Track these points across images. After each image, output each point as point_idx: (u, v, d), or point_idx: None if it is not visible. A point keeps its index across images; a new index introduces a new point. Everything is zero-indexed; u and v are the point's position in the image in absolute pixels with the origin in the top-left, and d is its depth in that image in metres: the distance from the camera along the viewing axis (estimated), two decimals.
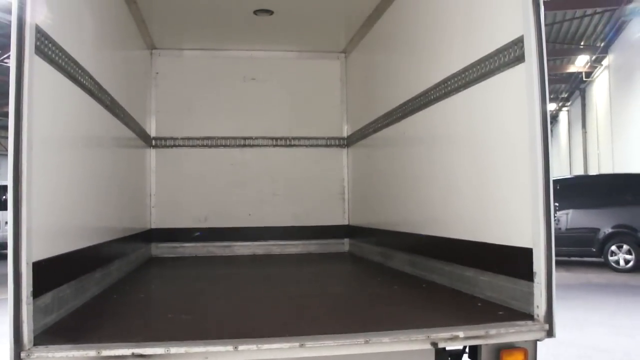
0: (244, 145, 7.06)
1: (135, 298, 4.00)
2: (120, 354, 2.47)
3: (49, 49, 2.83)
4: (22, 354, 2.44)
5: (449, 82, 3.92)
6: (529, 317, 2.86)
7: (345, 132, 7.12)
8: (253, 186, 7.00)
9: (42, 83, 2.70)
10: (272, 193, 7.03)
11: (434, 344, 2.64)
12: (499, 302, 3.23)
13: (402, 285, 4.31)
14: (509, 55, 3.11)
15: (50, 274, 2.88)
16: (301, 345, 2.52)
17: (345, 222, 7.10)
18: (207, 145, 7.02)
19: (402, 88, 4.93)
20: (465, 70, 3.66)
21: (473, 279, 3.59)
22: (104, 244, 4.26)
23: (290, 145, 7.10)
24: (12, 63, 2.49)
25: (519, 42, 3.00)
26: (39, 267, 2.65)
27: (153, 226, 6.82)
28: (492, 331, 2.69)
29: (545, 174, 2.82)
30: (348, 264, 6.22)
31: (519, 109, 2.98)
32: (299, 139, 7.10)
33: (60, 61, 3.03)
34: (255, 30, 6.41)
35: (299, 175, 7.08)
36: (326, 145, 7.16)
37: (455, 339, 2.66)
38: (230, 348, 2.49)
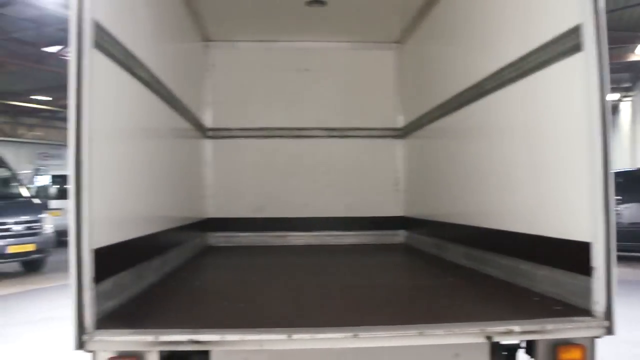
0: (299, 136, 7.09)
1: (191, 286, 4.10)
2: (177, 340, 2.54)
3: (107, 43, 2.91)
4: (85, 337, 2.54)
5: (504, 72, 3.83)
6: (588, 313, 2.77)
7: (400, 122, 7.05)
8: (308, 177, 7.03)
9: (100, 76, 2.79)
10: (326, 184, 7.03)
11: (489, 338, 2.59)
12: (557, 297, 3.15)
13: (457, 278, 4.25)
14: (566, 44, 3.01)
15: (110, 260, 2.97)
16: (354, 336, 2.53)
17: (401, 214, 7.05)
18: (262, 136, 7.08)
19: (457, 78, 4.85)
20: (521, 60, 3.57)
21: (530, 273, 3.51)
22: (162, 233, 4.36)
23: (345, 136, 7.09)
24: (71, 57, 2.58)
25: (576, 30, 2.89)
26: (99, 254, 2.74)
27: (210, 216, 6.94)
28: (549, 326, 2.63)
29: (604, 165, 2.72)
30: (402, 255, 6.18)
31: (577, 100, 2.88)
32: (353, 129, 7.09)
33: (118, 55, 3.12)
34: (308, 21, 6.42)
35: (353, 166, 7.06)
36: (380, 136, 7.11)
37: (511, 333, 2.61)
38: (284, 337, 2.52)
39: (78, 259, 2.58)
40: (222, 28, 6.74)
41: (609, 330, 2.69)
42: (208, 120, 7.00)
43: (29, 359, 6.58)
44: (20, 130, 35.17)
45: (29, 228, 12.28)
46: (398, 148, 7.08)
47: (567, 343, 2.70)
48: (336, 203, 7.01)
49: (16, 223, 12.13)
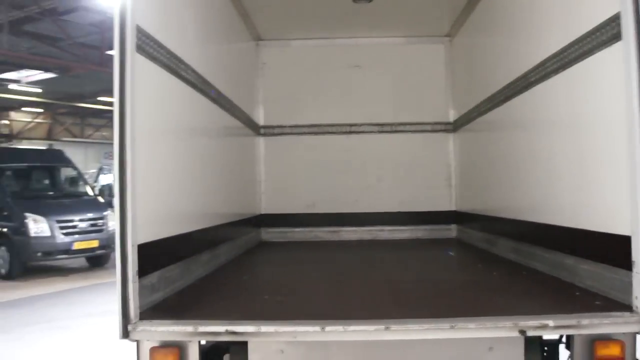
0: (350, 132, 7.13)
1: (238, 280, 4.21)
2: (215, 331, 2.64)
3: (150, 47, 3.04)
4: (129, 327, 2.68)
5: (547, 64, 3.76)
6: (628, 308, 2.71)
7: (451, 117, 6.99)
8: (359, 172, 7.06)
9: (143, 79, 2.92)
10: (378, 179, 7.05)
11: (522, 332, 2.58)
12: (599, 291, 3.09)
13: (502, 272, 4.21)
14: (606, 33, 2.94)
15: (155, 255, 3.11)
16: (386, 329, 2.57)
17: (453, 208, 7.00)
18: (313, 133, 7.14)
19: (504, 70, 4.79)
20: (563, 50, 3.50)
21: (573, 267, 3.46)
22: (212, 228, 4.50)
23: (396, 131, 7.08)
24: (115, 61, 2.71)
25: (615, 19, 2.83)
26: (144, 249, 2.87)
27: (263, 212, 7.08)
28: (585, 321, 2.59)
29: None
30: (457, 250, 6.13)
31: (617, 90, 2.82)
32: (404, 124, 7.07)
33: (161, 57, 3.25)
34: (357, 18, 6.44)
35: (404, 160, 7.05)
36: (432, 131, 7.07)
37: (545, 327, 2.58)
38: (317, 328, 2.58)
39: (122, 254, 2.72)
40: (272, 27, 6.85)
41: None
42: (261, 118, 7.14)
43: (84, 348, 6.91)
44: (88, 131, 36.63)
45: (93, 225, 12.85)
46: (450, 142, 7.02)
47: (606, 338, 2.64)
48: (388, 198, 7.01)
49: (81, 220, 12.71)
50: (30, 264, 12.74)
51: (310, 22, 6.70)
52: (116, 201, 2.73)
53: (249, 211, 6.59)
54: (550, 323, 2.58)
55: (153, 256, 3.07)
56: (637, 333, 2.67)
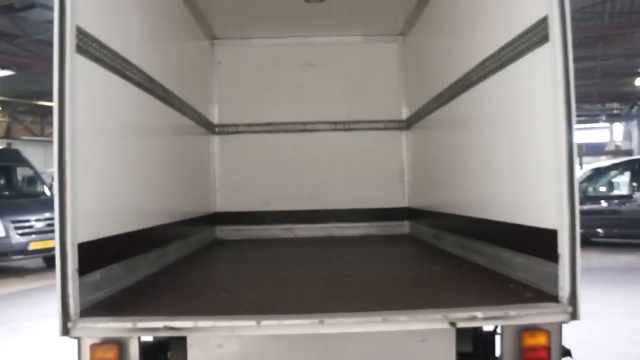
0: (304, 130, 7.20)
1: (185, 277, 4.25)
2: (154, 326, 2.69)
3: (91, 48, 3.06)
4: (69, 324, 2.70)
5: (486, 64, 3.90)
6: (555, 299, 2.85)
7: (404, 114, 7.12)
8: (313, 170, 7.14)
9: (84, 79, 2.94)
10: (332, 176, 7.14)
11: (453, 324, 2.68)
12: (532, 284, 3.22)
13: (444, 267, 4.35)
14: (537, 35, 3.07)
15: (98, 253, 3.13)
16: (320, 322, 2.65)
17: (406, 205, 7.14)
18: (268, 131, 7.20)
19: (450, 70, 4.91)
20: (500, 51, 3.63)
21: (509, 261, 3.59)
22: (160, 227, 4.51)
23: (349, 129, 7.19)
24: (54, 62, 2.73)
25: (544, 21, 2.96)
26: (85, 248, 2.90)
27: (218, 209, 7.11)
28: (512, 312, 2.71)
29: (569, 155, 2.78)
30: (401, 246, 6.27)
31: (545, 90, 2.95)
32: (357, 122, 7.17)
33: (104, 58, 3.26)
34: (312, 17, 6.51)
35: (358, 158, 7.15)
36: (385, 129, 7.19)
37: (474, 319, 2.69)
38: (253, 323, 2.65)
39: (62, 253, 2.74)
40: (226, 26, 6.87)
41: (573, 316, 2.76)
42: (215, 117, 7.16)
43: (46, 348, 6.85)
44: (48, 130, 35.88)
45: (50, 225, 12.63)
46: (402, 140, 7.15)
47: (533, 328, 2.77)
48: (342, 195, 7.11)
49: (38, 220, 12.51)
50: None
51: (264, 22, 6.74)
52: (55, 200, 2.75)
53: (203, 209, 6.61)
54: (479, 314, 2.69)
55: (95, 254, 3.09)
56: (563, 322, 2.78)
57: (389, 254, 5.76)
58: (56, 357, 6.64)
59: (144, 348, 2.88)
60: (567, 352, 3.03)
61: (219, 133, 7.18)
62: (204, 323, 2.67)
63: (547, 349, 2.75)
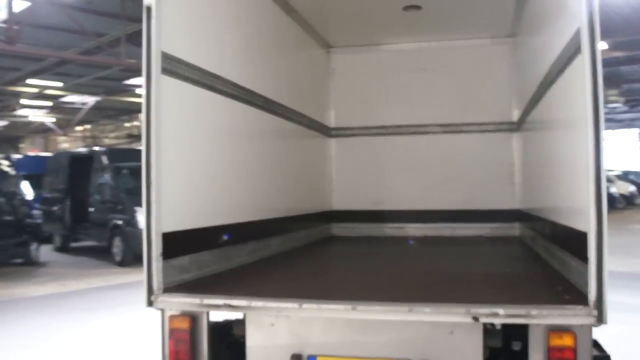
0: (416, 133, 7.43)
1: (274, 266, 4.73)
2: (216, 303, 3.19)
3: (177, 68, 3.64)
4: (152, 297, 3.30)
5: (553, 66, 3.94)
6: (585, 301, 2.86)
7: (515, 116, 7.09)
8: (425, 171, 7.35)
9: (170, 95, 3.51)
10: (442, 177, 7.29)
11: (475, 318, 2.86)
12: (579, 286, 3.26)
13: (522, 269, 4.47)
14: (574, 45, 3.14)
15: (186, 242, 3.71)
16: (353, 308, 2.98)
17: (516, 207, 7.10)
18: (381, 134, 7.54)
19: (542, 69, 4.90)
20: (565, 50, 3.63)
21: (568, 265, 3.63)
22: (260, 221, 5.03)
23: (460, 131, 7.31)
24: (143, 82, 3.34)
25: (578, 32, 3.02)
26: (170, 236, 3.47)
27: (334, 208, 7.59)
28: (534, 311, 2.80)
29: (596, 161, 2.84)
30: (504, 248, 6.28)
31: (580, 98, 3.00)
32: (468, 124, 7.27)
33: (191, 76, 3.83)
34: (420, 24, 6.74)
35: (468, 159, 7.24)
36: (495, 130, 7.21)
37: (495, 315, 2.83)
38: (296, 305, 3.05)
39: (148, 240, 3.34)
40: (340, 36, 7.31)
41: (600, 319, 2.76)
42: (332, 121, 7.65)
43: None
44: None
45: None
46: (513, 141, 7.12)
47: (559, 329, 2.83)
48: (452, 196, 7.23)
49: None
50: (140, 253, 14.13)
51: (374, 30, 7.09)
52: (143, 198, 3.35)
53: (318, 207, 7.11)
54: (500, 311, 2.82)
55: (182, 242, 3.67)
56: (589, 325, 2.81)
57: (486, 255, 5.86)
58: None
59: (216, 325, 3.42)
60: (606, 358, 3.07)
61: (335, 136, 7.65)
62: (255, 303, 3.12)
63: (573, 350, 2.81)
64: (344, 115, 7.62)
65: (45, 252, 16.94)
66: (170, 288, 3.43)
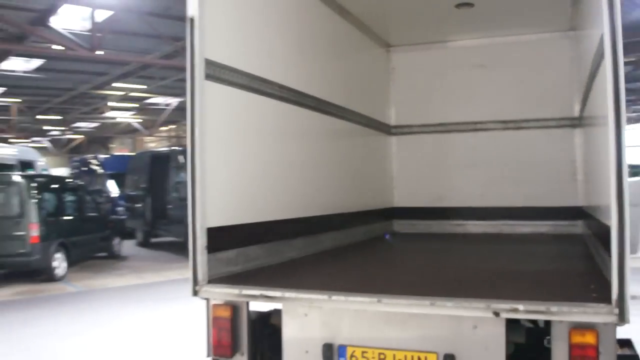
0: (475, 130, 7.42)
1: (324, 260, 4.90)
2: (253, 294, 3.41)
3: (220, 73, 3.87)
4: (197, 288, 3.55)
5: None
6: (608, 300, 2.82)
7: (576, 111, 6.94)
8: (484, 168, 7.32)
9: (213, 98, 3.75)
10: (502, 174, 7.25)
11: (496, 314, 2.91)
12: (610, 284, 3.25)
13: (567, 266, 4.45)
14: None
15: (232, 236, 3.94)
16: (378, 301, 3.11)
17: (579, 204, 6.95)
18: (441, 131, 7.57)
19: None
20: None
21: (604, 263, 3.60)
22: (313, 218, 5.21)
23: (520, 128, 7.23)
24: (187, 87, 3.60)
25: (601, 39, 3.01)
26: (216, 231, 3.71)
27: (395, 204, 7.68)
28: (554, 308, 2.82)
29: (617, 156, 2.83)
30: (560, 245, 6.17)
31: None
32: (528, 120, 7.19)
33: (235, 80, 4.06)
34: (473, 21, 6.72)
35: (529, 156, 7.15)
36: (556, 126, 7.09)
37: (515, 311, 2.87)
38: (325, 297, 3.22)
39: (193, 234, 3.59)
40: (399, 36, 7.42)
41: (621, 318, 2.73)
42: (392, 119, 7.74)
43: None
44: None
45: None
46: (575, 137, 6.97)
47: (582, 327, 2.82)
48: (512, 193, 7.17)
49: None
50: None
51: (433, 28, 7.13)
52: (188, 196, 3.60)
53: (379, 203, 7.23)
54: (520, 307, 2.86)
55: (229, 237, 3.90)
56: (610, 323, 2.78)
57: (538, 253, 5.78)
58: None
59: (257, 314, 3.64)
60: (634, 358, 3.04)
61: (395, 134, 7.74)
62: (289, 294, 3.31)
63: (595, 348, 2.80)
64: (404, 113, 7.70)
65: (128, 246, 17.95)
66: (216, 279, 3.66)
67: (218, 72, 3.86)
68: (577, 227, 6.91)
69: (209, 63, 3.74)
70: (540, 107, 7.12)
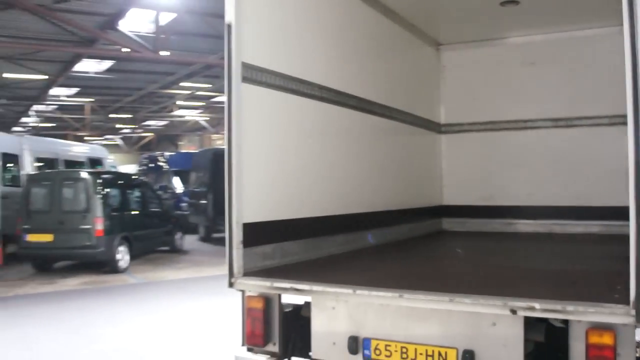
0: (525, 128, 7.36)
1: (361, 256, 5.01)
2: (284, 287, 3.58)
3: (257, 76, 4.06)
4: (232, 280, 3.76)
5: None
6: (627, 300, 2.80)
7: None
8: (535, 166, 7.26)
9: (251, 100, 3.95)
10: (553, 173, 7.16)
11: (513, 311, 2.95)
12: None
13: (601, 267, 4.40)
14: None
15: (269, 232, 4.12)
16: (400, 296, 3.22)
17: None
18: (491, 129, 7.54)
19: None
20: None
21: None
22: (352, 215, 5.34)
23: (570, 126, 7.11)
24: (225, 89, 3.81)
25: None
26: (252, 227, 3.90)
27: (444, 203, 7.71)
28: (570, 307, 2.83)
29: (636, 157, 2.83)
30: (604, 245, 6.05)
31: None
32: (579, 118, 7.07)
33: (272, 82, 4.24)
34: (520, 18, 6.68)
35: (580, 155, 7.04)
36: (609, 124, 6.92)
37: (532, 309, 2.90)
38: (351, 291, 3.35)
39: (229, 229, 3.80)
40: (449, 34, 7.46)
41: (638, 319, 2.71)
42: (442, 117, 7.77)
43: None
44: None
45: None
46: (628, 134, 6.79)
47: (599, 327, 2.82)
48: (563, 192, 7.08)
49: None
50: None
51: (482, 26, 7.12)
52: (225, 192, 3.80)
53: (427, 202, 7.29)
54: (537, 305, 2.89)
55: (266, 232, 4.09)
56: (626, 324, 2.76)
57: (581, 253, 5.72)
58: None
59: (288, 306, 3.81)
60: None
61: (445, 132, 7.77)
62: (316, 287, 3.46)
63: (613, 349, 2.80)
64: (454, 112, 7.72)
65: (190, 241, 18.57)
66: (251, 272, 3.86)
67: (255, 75, 4.05)
68: (629, 227, 6.74)
69: (246, 66, 3.93)
70: (591, 104, 6.98)
